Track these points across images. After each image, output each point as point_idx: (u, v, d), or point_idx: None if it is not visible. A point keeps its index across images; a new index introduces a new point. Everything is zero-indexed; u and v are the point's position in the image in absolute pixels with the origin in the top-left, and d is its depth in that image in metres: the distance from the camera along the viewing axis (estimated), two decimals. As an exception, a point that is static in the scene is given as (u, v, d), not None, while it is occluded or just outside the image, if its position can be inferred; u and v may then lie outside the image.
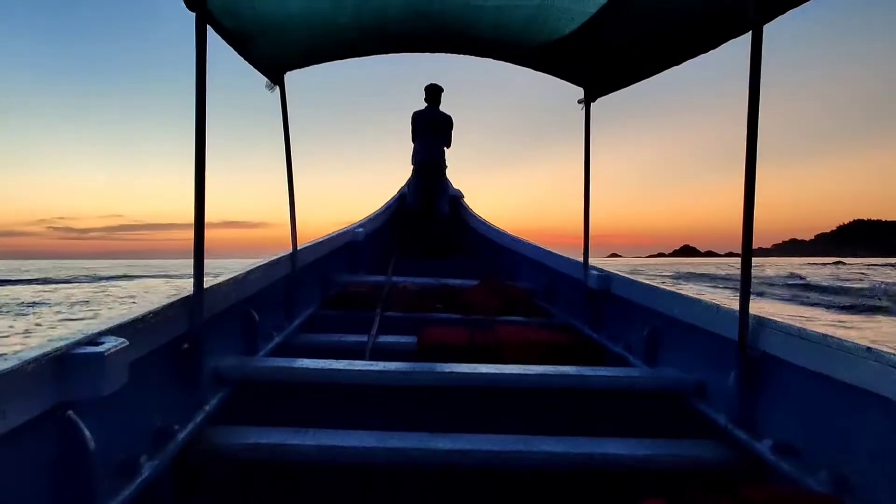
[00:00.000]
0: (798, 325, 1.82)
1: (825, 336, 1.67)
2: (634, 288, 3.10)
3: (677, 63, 2.78)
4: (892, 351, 1.43)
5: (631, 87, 3.29)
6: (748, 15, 1.98)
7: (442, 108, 6.89)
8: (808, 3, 1.90)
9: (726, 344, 2.09)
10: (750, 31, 1.98)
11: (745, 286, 2.00)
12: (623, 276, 3.29)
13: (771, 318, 1.96)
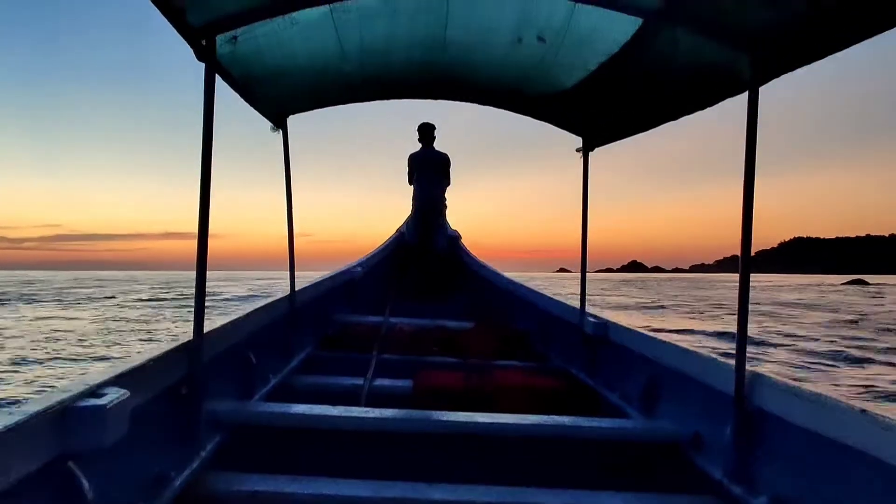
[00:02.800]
0: (794, 382, 1.87)
1: (819, 395, 1.71)
2: (632, 336, 3.11)
3: (673, 118, 2.82)
4: (885, 414, 1.48)
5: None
6: (745, 77, 2.05)
7: (437, 146, 6.95)
8: (802, 67, 1.92)
9: (722, 397, 2.11)
10: (746, 92, 2.03)
11: (742, 341, 2.03)
12: (620, 325, 3.31)
13: (766, 374, 2.00)
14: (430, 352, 4.10)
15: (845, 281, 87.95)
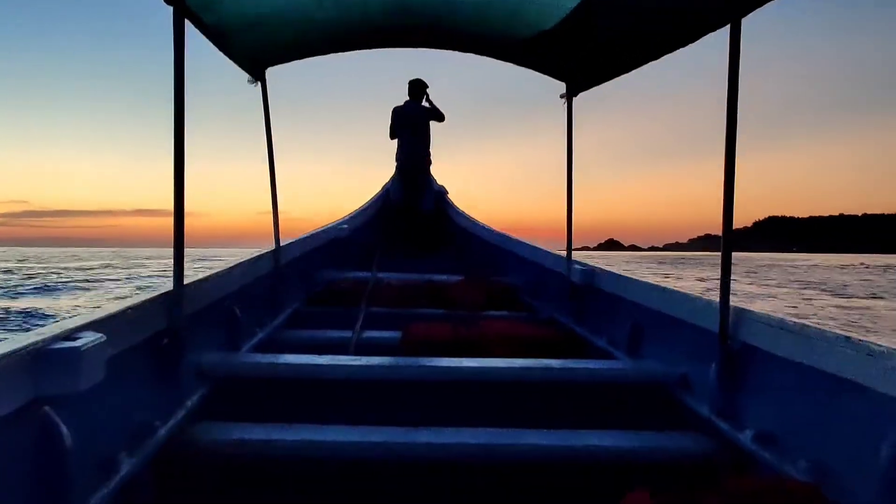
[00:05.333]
0: (778, 316, 1.87)
1: (804, 326, 1.72)
2: (617, 282, 3.14)
3: (657, 57, 2.78)
4: (869, 340, 1.48)
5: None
6: (726, 8, 2.02)
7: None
8: None
9: (708, 336, 2.12)
10: (728, 25, 2.02)
11: (726, 279, 2.03)
12: (606, 271, 3.34)
13: (751, 309, 2.01)
14: (418, 305, 4.06)
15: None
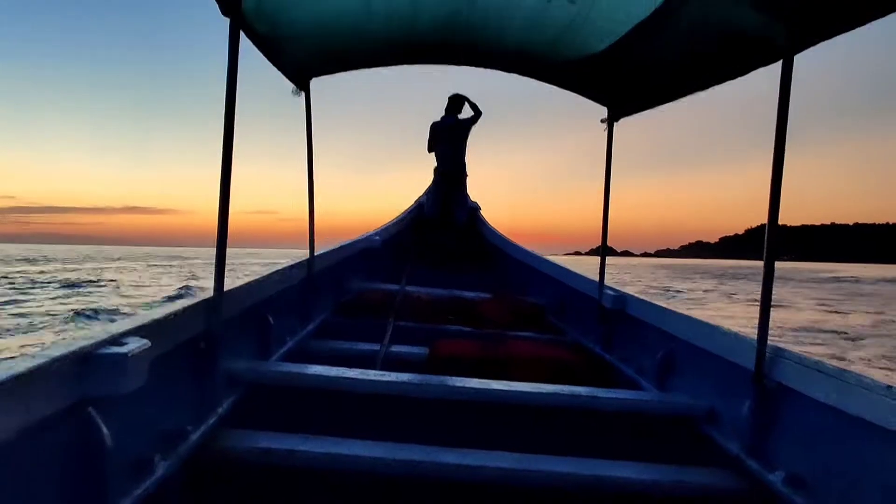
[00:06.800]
0: (815, 357, 1.85)
1: (843, 371, 1.69)
2: (650, 309, 3.10)
3: (704, 88, 2.71)
4: None
5: None
6: (779, 44, 2.00)
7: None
8: (840, 35, 1.86)
9: (741, 372, 2.10)
10: (780, 61, 2.00)
11: (765, 317, 2.02)
12: (638, 298, 3.29)
13: (787, 349, 1.99)
14: (445, 321, 4.05)
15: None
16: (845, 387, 1.64)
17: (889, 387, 1.50)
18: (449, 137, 6.65)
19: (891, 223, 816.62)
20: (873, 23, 1.69)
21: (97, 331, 1.46)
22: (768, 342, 2.01)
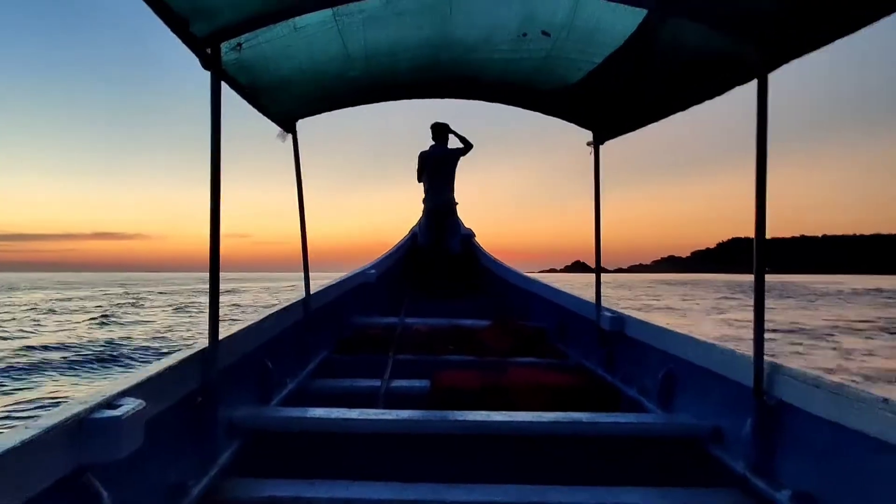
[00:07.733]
0: (814, 373, 1.86)
1: (841, 385, 1.71)
2: (648, 330, 3.13)
3: (684, 108, 2.75)
4: None
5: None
6: (753, 64, 2.03)
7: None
8: (811, 52, 1.88)
9: (741, 389, 2.12)
10: (755, 80, 2.03)
11: (759, 333, 2.03)
12: (637, 319, 3.31)
13: (786, 365, 1.99)
14: (446, 351, 4.08)
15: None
16: (843, 401, 1.66)
17: (886, 399, 1.53)
18: (437, 168, 6.64)
19: (857, 234, 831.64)
20: (845, 38, 1.71)
21: (91, 393, 1.45)
22: (765, 358, 2.03)
